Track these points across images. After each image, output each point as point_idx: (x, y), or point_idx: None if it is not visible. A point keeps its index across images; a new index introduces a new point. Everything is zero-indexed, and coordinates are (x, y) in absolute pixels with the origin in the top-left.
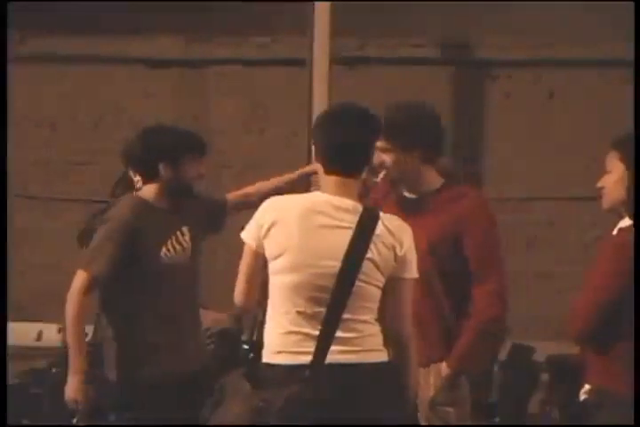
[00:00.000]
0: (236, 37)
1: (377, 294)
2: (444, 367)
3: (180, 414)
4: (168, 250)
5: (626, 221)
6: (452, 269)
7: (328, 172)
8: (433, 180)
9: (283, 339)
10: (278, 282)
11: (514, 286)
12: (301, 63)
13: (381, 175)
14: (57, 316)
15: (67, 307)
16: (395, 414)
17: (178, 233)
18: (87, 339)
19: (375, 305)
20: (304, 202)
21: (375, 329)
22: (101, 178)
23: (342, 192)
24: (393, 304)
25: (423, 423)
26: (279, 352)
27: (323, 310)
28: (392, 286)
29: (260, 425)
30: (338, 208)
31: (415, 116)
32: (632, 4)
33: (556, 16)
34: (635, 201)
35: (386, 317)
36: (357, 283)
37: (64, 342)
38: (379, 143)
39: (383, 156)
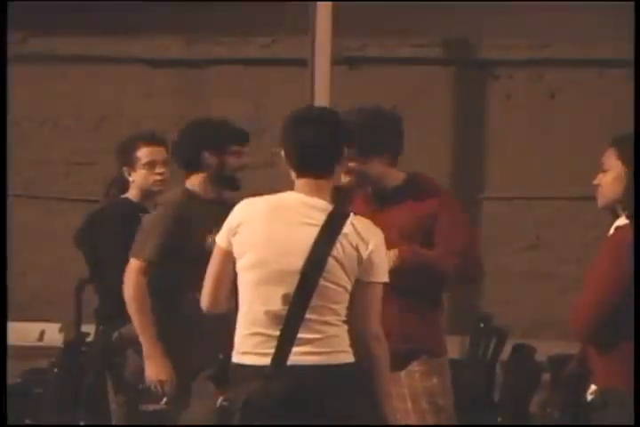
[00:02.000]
0: (236, 37)
1: (342, 295)
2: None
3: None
4: (214, 240)
5: (622, 220)
6: None
7: (299, 174)
8: (396, 176)
9: (248, 340)
10: (244, 280)
11: (515, 286)
12: (302, 63)
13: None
14: (58, 316)
15: (126, 298)
16: (359, 414)
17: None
18: (88, 339)
19: (340, 307)
20: (273, 200)
21: (339, 330)
22: (101, 178)
23: (314, 193)
24: (360, 307)
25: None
26: (245, 353)
27: (286, 308)
28: (359, 290)
29: (223, 425)
30: (307, 206)
31: (376, 121)
32: (632, 4)
33: (556, 16)
34: (634, 200)
35: (353, 319)
36: (321, 282)
37: (65, 341)
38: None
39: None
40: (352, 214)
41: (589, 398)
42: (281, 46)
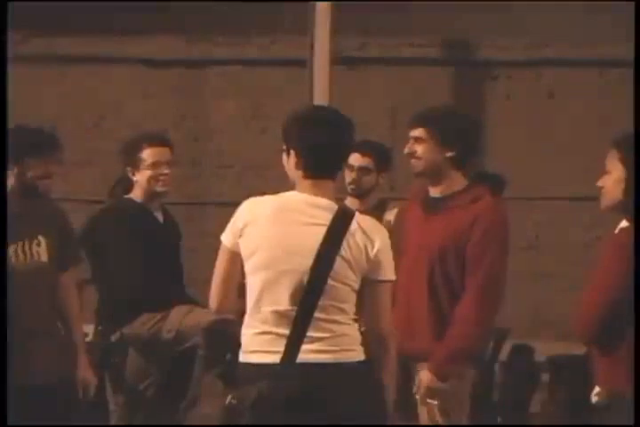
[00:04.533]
0: (236, 37)
1: (350, 294)
2: (426, 374)
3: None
4: (15, 253)
5: (625, 222)
6: (457, 271)
7: (307, 175)
8: (458, 181)
9: (257, 338)
10: (252, 281)
11: (514, 286)
12: (302, 63)
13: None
14: None
15: None
16: (369, 412)
17: (27, 240)
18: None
19: (349, 306)
20: (278, 200)
21: (349, 329)
22: (101, 178)
23: (319, 192)
24: (370, 306)
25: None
26: (253, 352)
27: (295, 308)
28: (368, 289)
29: (231, 425)
30: (312, 206)
31: (460, 116)
32: (632, 4)
33: (556, 16)
34: (635, 201)
35: (364, 317)
36: (330, 282)
37: None
38: (415, 132)
39: (415, 146)
40: (357, 213)
41: (594, 399)
42: (280, 46)
